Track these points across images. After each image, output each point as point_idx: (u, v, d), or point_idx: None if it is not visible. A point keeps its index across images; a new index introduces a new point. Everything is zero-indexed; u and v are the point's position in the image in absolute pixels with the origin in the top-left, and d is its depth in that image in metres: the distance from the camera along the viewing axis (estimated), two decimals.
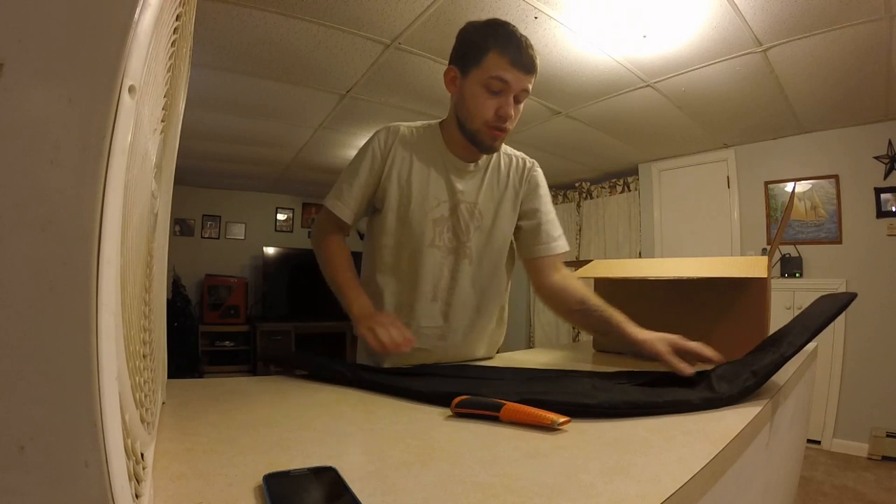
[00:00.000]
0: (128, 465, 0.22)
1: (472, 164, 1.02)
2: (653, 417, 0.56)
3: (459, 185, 1.01)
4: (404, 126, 1.03)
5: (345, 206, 1.01)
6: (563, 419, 0.50)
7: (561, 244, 1.07)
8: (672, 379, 0.73)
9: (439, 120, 1.05)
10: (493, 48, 0.89)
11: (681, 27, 2.08)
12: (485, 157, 1.03)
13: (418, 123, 1.04)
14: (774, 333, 0.81)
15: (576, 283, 1.04)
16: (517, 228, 1.07)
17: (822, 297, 0.88)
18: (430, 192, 0.99)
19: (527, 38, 0.91)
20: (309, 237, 1.18)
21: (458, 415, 0.56)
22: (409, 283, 1.01)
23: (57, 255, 0.19)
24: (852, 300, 0.80)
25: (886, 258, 3.01)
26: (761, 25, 2.04)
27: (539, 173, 1.10)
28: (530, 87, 0.92)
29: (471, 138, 0.96)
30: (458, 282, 1.02)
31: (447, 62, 0.98)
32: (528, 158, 1.10)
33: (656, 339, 0.84)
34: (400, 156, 1.00)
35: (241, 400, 0.63)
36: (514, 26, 0.92)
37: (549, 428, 0.49)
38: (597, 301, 0.98)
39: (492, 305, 1.08)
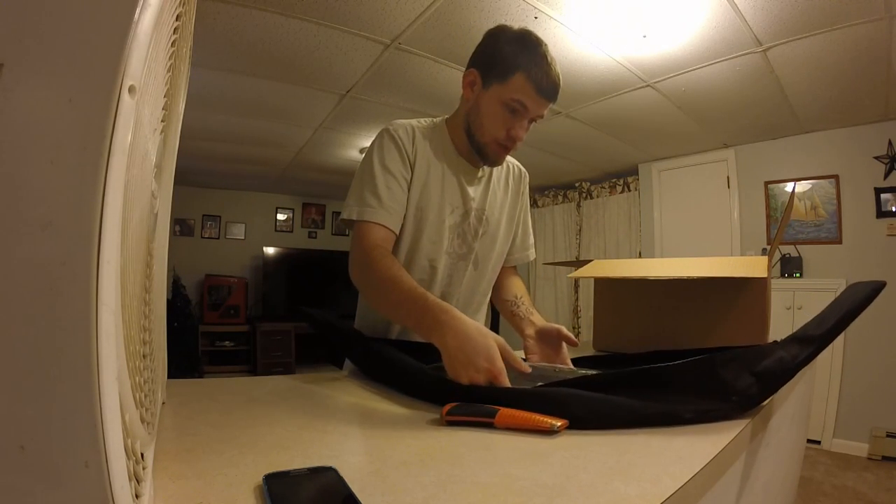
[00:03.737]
0: (128, 465, 0.22)
1: (480, 170, 1.01)
2: None
3: (471, 192, 0.99)
4: (414, 122, 0.97)
5: (389, 213, 0.88)
6: (560, 422, 0.50)
7: (532, 252, 1.17)
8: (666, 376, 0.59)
9: (443, 118, 1.02)
10: (522, 69, 0.85)
11: (681, 27, 2.08)
12: None
13: (423, 121, 0.99)
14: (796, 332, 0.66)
15: (519, 283, 1.14)
16: None
17: (851, 285, 0.75)
18: (446, 199, 0.97)
19: (555, 63, 0.87)
20: (349, 269, 0.89)
21: (450, 423, 0.53)
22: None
23: (57, 255, 0.19)
24: (880, 289, 0.67)
25: (886, 258, 3.01)
26: (761, 25, 2.04)
27: (528, 181, 1.15)
28: (546, 112, 0.91)
29: (477, 148, 0.95)
30: (462, 287, 1.02)
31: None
32: (521, 165, 1.13)
33: (530, 336, 0.94)
34: (420, 155, 0.94)
35: (241, 400, 0.63)
36: (546, 47, 0.87)
37: (549, 432, 0.49)
38: (525, 302, 1.06)
39: (485, 307, 1.12)
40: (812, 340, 0.60)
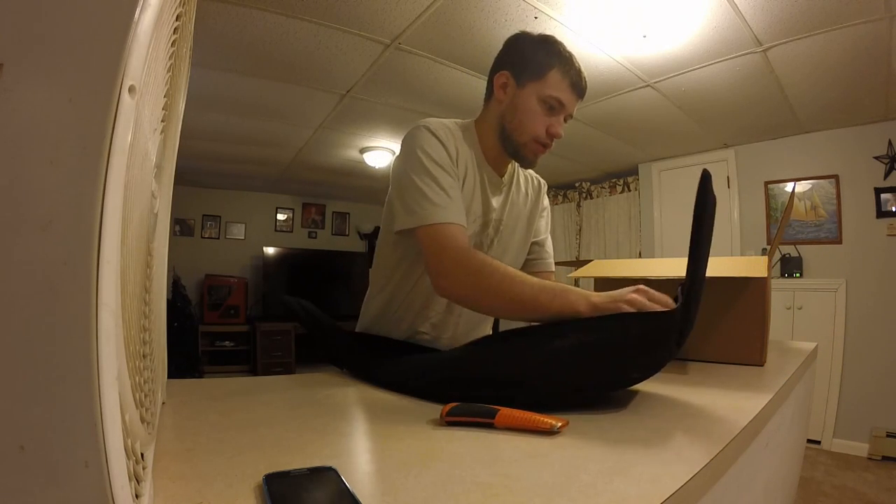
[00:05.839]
0: (128, 465, 0.22)
1: (503, 179, 1.00)
2: (652, 417, 0.56)
3: (493, 202, 0.98)
4: (449, 123, 0.92)
5: (460, 212, 0.83)
6: (561, 422, 0.50)
7: (552, 261, 1.15)
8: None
9: (472, 120, 0.98)
10: (556, 67, 0.87)
11: (681, 27, 2.08)
12: (509, 171, 1.02)
13: (458, 122, 0.95)
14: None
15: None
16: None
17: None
18: (472, 209, 0.94)
19: (580, 63, 0.91)
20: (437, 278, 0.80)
21: (450, 423, 0.53)
22: (431, 295, 0.93)
23: (57, 255, 0.19)
24: (707, 178, 0.64)
25: (886, 258, 3.01)
26: (761, 25, 2.04)
27: (546, 192, 1.13)
28: (575, 111, 0.92)
29: (513, 150, 0.93)
30: None
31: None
32: (540, 178, 1.12)
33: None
34: (460, 158, 0.90)
35: (241, 400, 0.63)
36: (567, 48, 0.91)
37: (549, 432, 0.49)
38: None
39: (491, 318, 1.10)
40: (689, 261, 0.61)
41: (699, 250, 0.61)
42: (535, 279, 0.74)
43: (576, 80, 0.89)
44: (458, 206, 0.83)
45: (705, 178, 0.63)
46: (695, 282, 0.60)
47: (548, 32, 0.92)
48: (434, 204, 0.80)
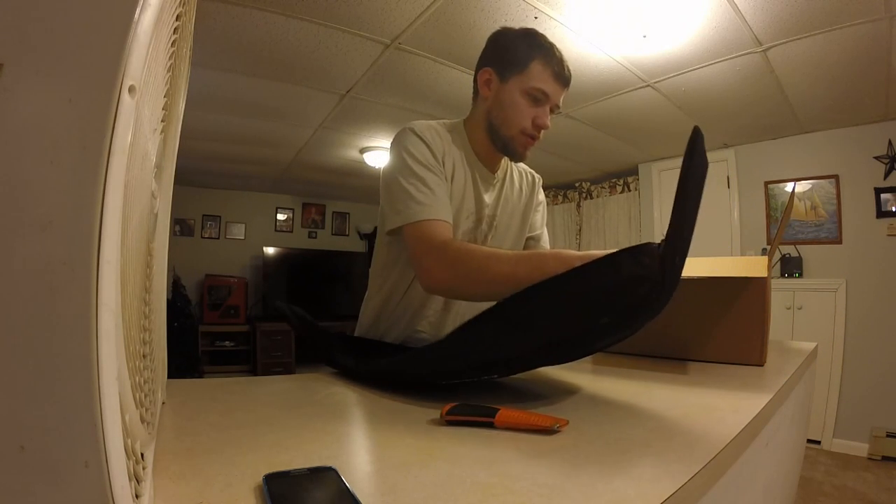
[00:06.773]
0: (128, 465, 0.22)
1: (495, 175, 1.00)
2: (652, 417, 0.56)
3: (486, 199, 0.99)
4: (435, 125, 0.93)
5: (445, 208, 0.84)
6: (562, 422, 0.50)
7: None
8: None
9: (461, 120, 1.00)
10: (537, 58, 0.88)
11: (681, 27, 2.08)
12: (502, 167, 1.02)
13: (445, 122, 0.97)
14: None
15: None
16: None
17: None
18: (464, 206, 0.95)
19: (562, 53, 0.91)
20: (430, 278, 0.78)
21: (450, 422, 0.53)
22: (428, 294, 0.94)
23: (57, 255, 0.19)
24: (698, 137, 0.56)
25: (886, 258, 3.01)
26: (761, 25, 2.04)
27: (541, 188, 1.13)
28: (562, 102, 0.93)
29: (502, 145, 0.94)
30: None
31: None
32: (535, 173, 1.12)
33: None
34: (447, 158, 0.91)
35: (241, 400, 0.63)
36: (549, 39, 0.91)
37: (549, 431, 0.49)
38: None
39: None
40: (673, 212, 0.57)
41: (684, 209, 0.56)
42: (512, 253, 0.71)
43: (558, 70, 0.89)
44: (442, 202, 0.84)
45: (696, 135, 0.55)
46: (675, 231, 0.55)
47: (548, 33, 0.92)
48: (418, 202, 0.82)
